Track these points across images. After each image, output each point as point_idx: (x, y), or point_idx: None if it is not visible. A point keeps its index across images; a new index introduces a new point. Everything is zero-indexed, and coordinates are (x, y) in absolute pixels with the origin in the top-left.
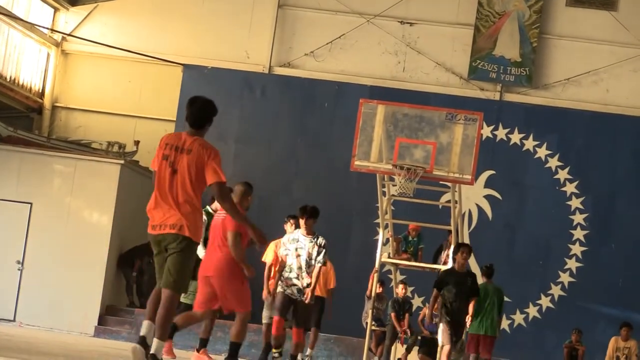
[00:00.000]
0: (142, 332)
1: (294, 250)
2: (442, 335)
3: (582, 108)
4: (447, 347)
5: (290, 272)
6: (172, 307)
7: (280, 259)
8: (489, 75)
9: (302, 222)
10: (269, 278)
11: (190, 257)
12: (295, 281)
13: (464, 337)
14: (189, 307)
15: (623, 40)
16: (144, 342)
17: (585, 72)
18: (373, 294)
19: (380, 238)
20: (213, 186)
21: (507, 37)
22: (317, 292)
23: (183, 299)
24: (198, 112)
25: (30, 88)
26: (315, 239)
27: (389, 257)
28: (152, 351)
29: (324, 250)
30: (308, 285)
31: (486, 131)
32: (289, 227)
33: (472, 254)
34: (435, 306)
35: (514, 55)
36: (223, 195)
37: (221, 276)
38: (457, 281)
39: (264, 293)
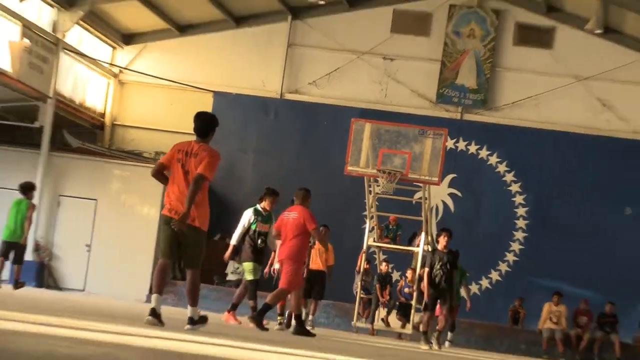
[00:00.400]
0: (152, 305)
1: None
2: (427, 303)
3: (525, 126)
4: (428, 314)
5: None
6: (197, 280)
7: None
8: (452, 100)
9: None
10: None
11: (202, 241)
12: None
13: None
14: (254, 282)
15: (557, 72)
16: (154, 313)
17: (528, 97)
18: (361, 269)
19: (367, 226)
20: (198, 174)
21: (467, 70)
22: (320, 268)
23: (251, 276)
24: (202, 125)
25: (95, 110)
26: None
27: (374, 241)
28: (189, 315)
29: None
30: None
31: (450, 144)
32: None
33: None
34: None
35: (472, 84)
36: (198, 183)
37: (285, 260)
38: (440, 258)
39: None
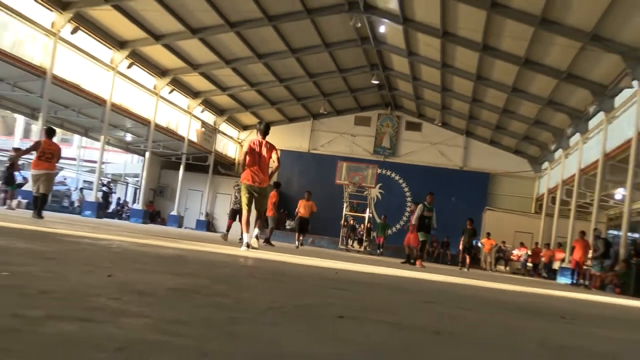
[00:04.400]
0: (245, 240)
1: None
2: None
3: (409, 163)
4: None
5: None
6: (263, 218)
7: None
8: (379, 152)
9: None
10: None
11: (267, 195)
12: None
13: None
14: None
15: (422, 141)
16: (248, 245)
17: (410, 152)
18: (342, 223)
19: (344, 205)
20: (279, 160)
21: (387, 139)
22: (307, 215)
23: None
24: (266, 130)
25: (233, 157)
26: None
27: (347, 211)
28: (254, 235)
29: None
30: None
31: (379, 170)
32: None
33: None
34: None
35: (388, 146)
36: (279, 164)
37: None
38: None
39: None
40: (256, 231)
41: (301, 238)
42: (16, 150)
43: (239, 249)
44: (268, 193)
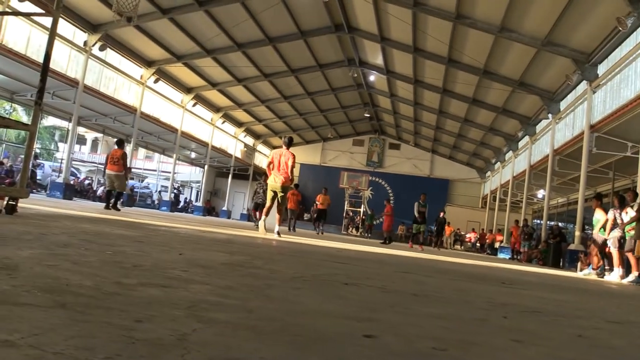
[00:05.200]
0: (276, 230)
1: None
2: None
3: (393, 172)
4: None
5: None
6: (283, 211)
7: None
8: (370, 165)
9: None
10: None
11: (287, 193)
12: None
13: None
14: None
15: (400, 157)
16: (278, 233)
17: (393, 164)
18: (344, 215)
19: (346, 202)
20: (292, 167)
21: (375, 155)
22: (324, 207)
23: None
24: (289, 142)
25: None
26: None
27: (348, 206)
28: (276, 230)
29: None
30: None
31: (370, 178)
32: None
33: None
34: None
35: (376, 160)
36: (293, 169)
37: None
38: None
39: None
40: (277, 227)
41: (321, 227)
42: (128, 168)
43: (270, 235)
44: (288, 190)
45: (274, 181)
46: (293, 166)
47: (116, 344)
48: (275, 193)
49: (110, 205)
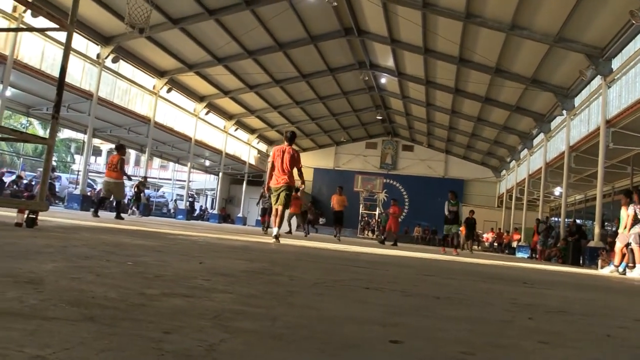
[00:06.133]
0: (274, 234)
1: None
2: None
3: (407, 174)
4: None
5: None
6: (284, 213)
7: None
8: (384, 167)
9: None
10: None
11: (290, 193)
12: None
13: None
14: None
15: (413, 159)
16: (277, 237)
17: (406, 166)
18: (359, 218)
19: (361, 205)
20: (300, 169)
21: (389, 157)
22: (341, 209)
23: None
24: (289, 137)
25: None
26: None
27: (363, 209)
28: (274, 234)
29: None
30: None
31: (385, 180)
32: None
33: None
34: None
35: (390, 162)
36: (301, 172)
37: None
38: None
39: None
40: (275, 230)
41: (339, 232)
42: (144, 178)
43: (285, 240)
44: (291, 189)
45: (276, 182)
46: (300, 166)
47: (147, 356)
48: (278, 195)
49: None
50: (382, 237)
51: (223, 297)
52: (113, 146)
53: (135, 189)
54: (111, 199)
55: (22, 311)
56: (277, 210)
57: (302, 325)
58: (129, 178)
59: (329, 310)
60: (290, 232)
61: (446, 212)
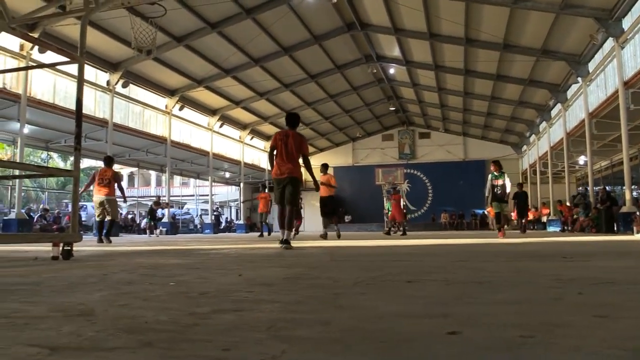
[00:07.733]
0: (282, 237)
1: None
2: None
3: (425, 162)
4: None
5: None
6: (292, 213)
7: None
8: (403, 157)
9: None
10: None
11: (298, 187)
12: None
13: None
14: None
15: (431, 145)
16: (284, 241)
17: (425, 154)
18: (383, 212)
19: (384, 198)
20: (305, 155)
21: (407, 147)
22: (325, 194)
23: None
24: (288, 119)
25: None
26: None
27: (385, 202)
28: (284, 237)
29: None
30: None
31: (405, 170)
32: None
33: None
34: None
35: (408, 152)
36: (308, 159)
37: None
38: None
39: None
40: (285, 234)
41: (335, 225)
42: (158, 197)
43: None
44: (298, 183)
45: (280, 172)
46: (307, 152)
47: None
48: (283, 188)
49: (102, 235)
50: (387, 228)
51: (271, 307)
52: (134, 170)
53: (149, 211)
54: (106, 220)
55: (82, 345)
56: (283, 211)
57: (355, 326)
58: (124, 196)
59: (376, 309)
60: (325, 235)
61: (487, 189)
